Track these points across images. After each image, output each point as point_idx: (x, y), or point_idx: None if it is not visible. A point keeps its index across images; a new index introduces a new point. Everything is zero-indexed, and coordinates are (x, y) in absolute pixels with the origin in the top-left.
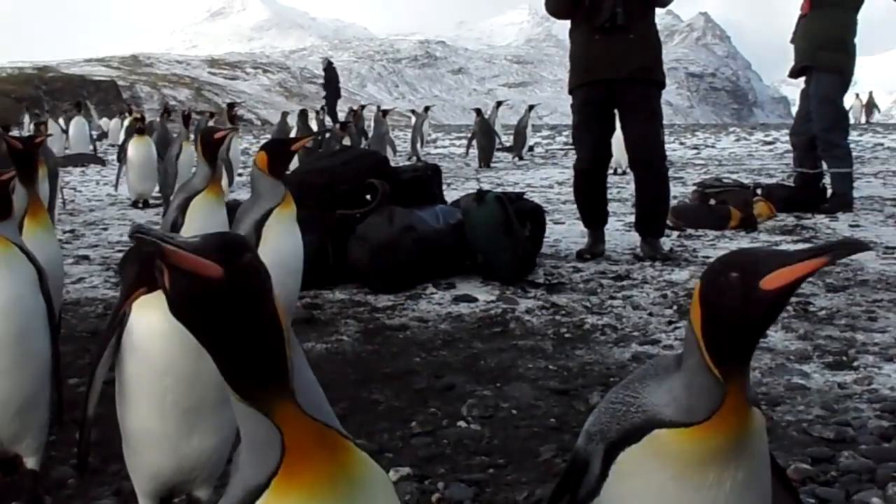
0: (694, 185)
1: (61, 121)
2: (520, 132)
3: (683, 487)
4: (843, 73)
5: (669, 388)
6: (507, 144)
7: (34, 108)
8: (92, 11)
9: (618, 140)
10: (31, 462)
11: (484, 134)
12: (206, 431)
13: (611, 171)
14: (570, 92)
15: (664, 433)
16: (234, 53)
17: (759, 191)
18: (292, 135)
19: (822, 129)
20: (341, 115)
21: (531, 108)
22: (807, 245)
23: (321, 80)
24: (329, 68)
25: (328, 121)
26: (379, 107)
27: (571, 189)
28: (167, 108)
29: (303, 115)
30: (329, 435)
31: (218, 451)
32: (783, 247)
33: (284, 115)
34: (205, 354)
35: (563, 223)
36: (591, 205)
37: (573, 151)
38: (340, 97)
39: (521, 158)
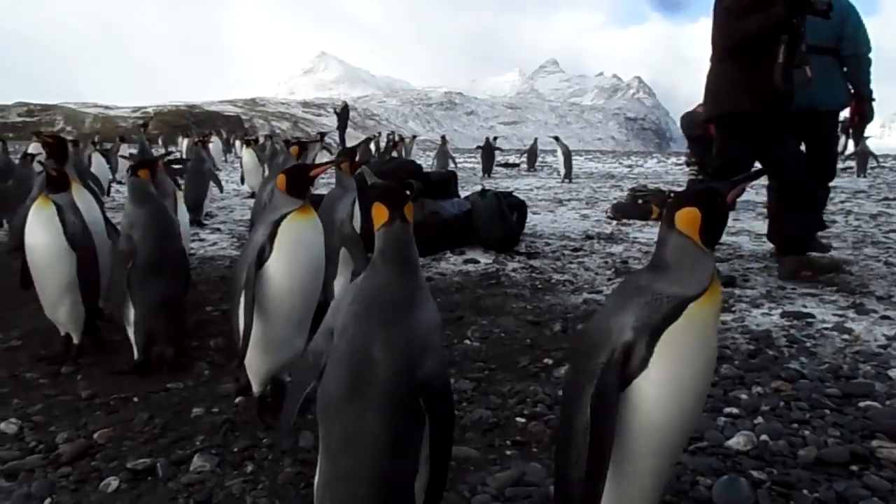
0: (628, 190)
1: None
2: (532, 153)
3: (707, 346)
4: None
5: (676, 279)
6: (507, 161)
7: (184, 135)
8: (226, 66)
9: (567, 155)
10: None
11: (487, 153)
12: (303, 335)
13: (557, 180)
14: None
15: (694, 305)
16: (319, 98)
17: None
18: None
19: None
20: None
21: (536, 139)
22: None
23: (378, 118)
24: (344, 109)
25: (373, 145)
26: (444, 137)
27: (546, 191)
28: (272, 134)
29: (367, 141)
30: None
31: (302, 349)
32: None
33: (367, 140)
34: (317, 276)
35: (539, 213)
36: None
37: (548, 167)
38: (346, 130)
39: (530, 169)
